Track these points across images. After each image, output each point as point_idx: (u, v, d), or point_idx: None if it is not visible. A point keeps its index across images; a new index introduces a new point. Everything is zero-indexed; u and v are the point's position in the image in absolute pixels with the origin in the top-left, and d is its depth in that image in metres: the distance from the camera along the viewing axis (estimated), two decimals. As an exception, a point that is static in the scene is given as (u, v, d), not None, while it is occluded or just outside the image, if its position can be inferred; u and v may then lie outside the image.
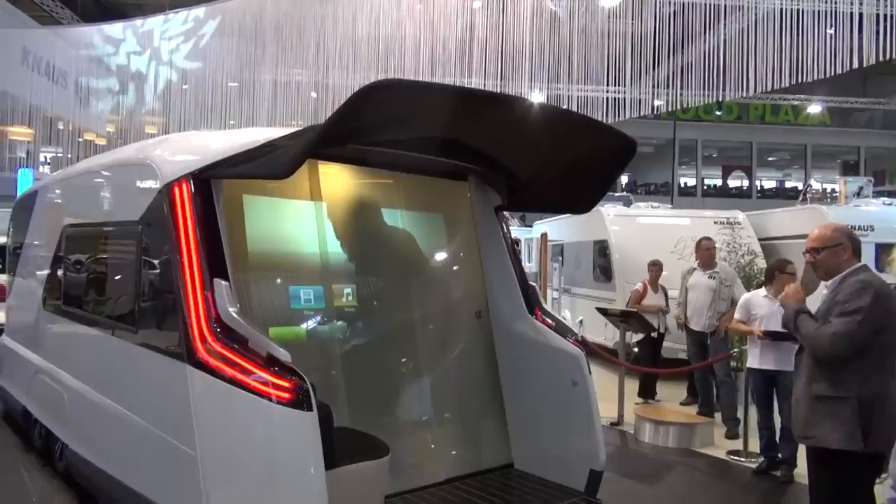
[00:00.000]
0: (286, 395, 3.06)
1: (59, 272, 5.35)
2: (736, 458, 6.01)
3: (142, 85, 15.02)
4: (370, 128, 3.45)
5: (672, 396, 8.16)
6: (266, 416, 3.08)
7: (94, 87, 15.65)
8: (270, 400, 3.05)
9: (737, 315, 5.85)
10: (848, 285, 3.20)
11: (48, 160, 23.11)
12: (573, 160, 4.15)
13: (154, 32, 14.75)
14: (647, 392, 8.17)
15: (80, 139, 21.62)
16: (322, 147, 3.34)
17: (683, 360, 7.84)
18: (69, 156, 18.97)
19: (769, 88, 8.84)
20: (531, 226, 16.39)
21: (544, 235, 14.81)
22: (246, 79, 15.62)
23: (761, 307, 5.64)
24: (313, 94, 15.78)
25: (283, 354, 3.15)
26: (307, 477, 3.02)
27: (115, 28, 15.37)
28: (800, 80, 8.41)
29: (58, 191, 5.98)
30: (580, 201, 4.66)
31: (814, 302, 3.42)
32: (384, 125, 3.46)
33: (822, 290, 3.47)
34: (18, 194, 10.63)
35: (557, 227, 13.91)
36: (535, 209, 5.04)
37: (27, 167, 20.38)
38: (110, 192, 4.76)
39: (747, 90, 9.11)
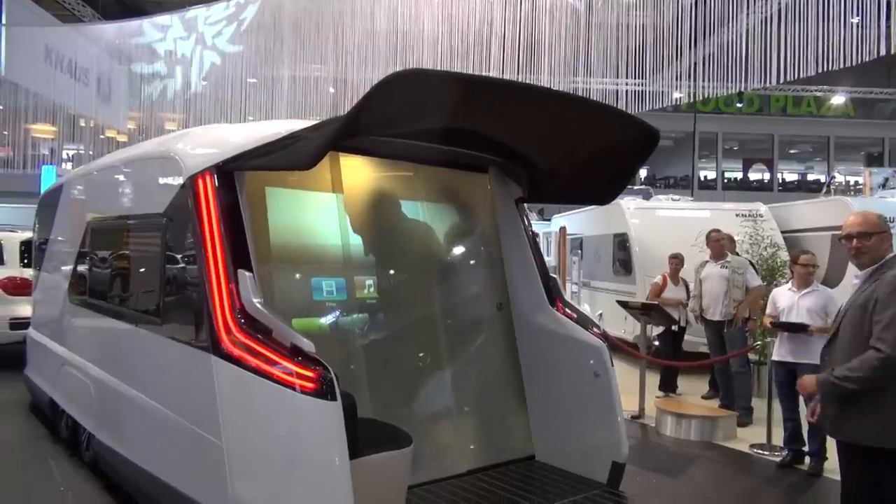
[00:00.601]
0: (310, 385, 3.07)
1: (85, 266, 5.42)
2: (760, 451, 5.95)
3: (187, 69, 15.26)
4: (392, 118, 3.45)
5: (693, 390, 8.09)
6: (291, 405, 3.10)
7: (145, 74, 15.90)
8: (295, 389, 3.07)
9: (767, 309, 5.85)
10: (890, 279, 3.04)
11: (70, 157, 23.44)
12: (594, 150, 4.12)
13: (198, 18, 14.98)
14: (667, 386, 8.12)
15: (102, 136, 21.91)
16: (344, 138, 3.34)
17: (705, 354, 7.79)
18: (91, 152, 19.24)
19: (794, 78, 8.69)
20: (549, 219, 16.32)
21: (563, 229, 14.72)
22: (265, 75, 15.74)
23: (783, 300, 5.63)
24: (331, 90, 15.85)
25: (307, 344, 3.17)
26: (331, 466, 3.04)
27: (163, 18, 15.65)
28: (825, 68, 8.26)
29: (82, 186, 6.06)
30: (602, 192, 4.62)
31: (844, 292, 3.34)
32: (406, 116, 3.46)
33: (853, 279, 3.38)
34: (42, 191, 10.79)
35: (576, 221, 13.83)
36: (555, 201, 4.99)
37: (50, 164, 20.70)
38: (134, 186, 4.81)
39: (771, 80, 8.98)
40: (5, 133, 23.10)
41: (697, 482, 5.37)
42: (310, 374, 3.09)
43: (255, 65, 15.44)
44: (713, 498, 4.83)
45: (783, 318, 5.51)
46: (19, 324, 8.36)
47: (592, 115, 3.95)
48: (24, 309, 8.34)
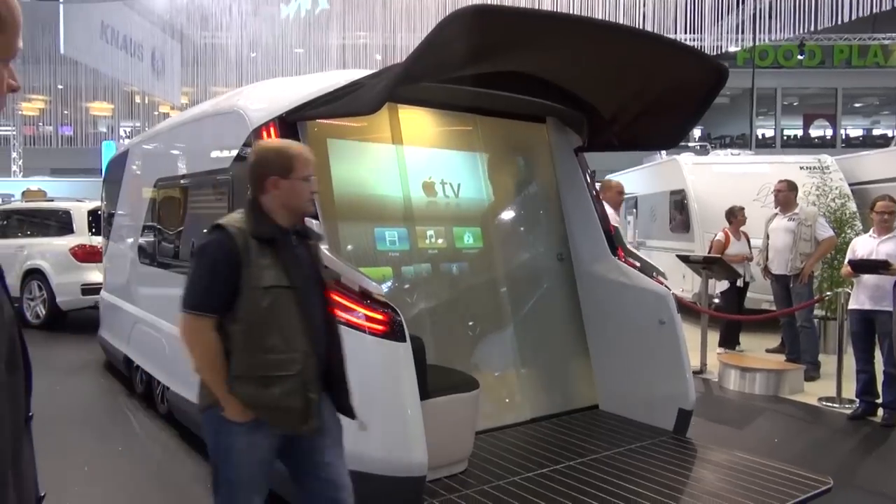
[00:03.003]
0: (380, 328, 3.12)
1: (153, 226, 5.58)
2: (829, 404, 5.80)
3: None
4: (455, 61, 3.40)
5: (755, 346, 7.92)
6: (361, 348, 3.14)
7: None
8: (365, 332, 3.12)
9: (846, 257, 5.67)
10: None
11: (128, 133, 24.14)
12: (662, 91, 3.98)
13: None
14: (729, 342, 7.95)
15: (156, 112, 22.46)
16: (407, 82, 3.31)
17: (767, 311, 7.58)
18: (146, 129, 19.81)
19: (868, 13, 8.15)
20: (601, 181, 16.03)
21: (617, 189, 14.42)
22: (313, 44, 15.80)
23: (862, 247, 5.47)
24: (378, 56, 15.83)
25: (376, 288, 3.21)
26: (403, 406, 3.09)
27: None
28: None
29: (146, 149, 6.22)
30: (665, 137, 4.49)
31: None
32: (470, 57, 3.39)
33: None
34: (104, 164, 11.14)
35: (631, 179, 13.51)
36: (615, 148, 4.81)
37: (110, 140, 21.37)
38: (199, 144, 4.90)
39: (843, 17, 8.46)
40: (66, 112, 23.92)
41: (766, 432, 5.27)
42: (379, 316, 3.13)
43: (304, 34, 15.51)
44: (784, 447, 4.73)
45: None
46: (90, 289, 8.72)
47: (662, 53, 3.78)
48: (94, 275, 8.70)
